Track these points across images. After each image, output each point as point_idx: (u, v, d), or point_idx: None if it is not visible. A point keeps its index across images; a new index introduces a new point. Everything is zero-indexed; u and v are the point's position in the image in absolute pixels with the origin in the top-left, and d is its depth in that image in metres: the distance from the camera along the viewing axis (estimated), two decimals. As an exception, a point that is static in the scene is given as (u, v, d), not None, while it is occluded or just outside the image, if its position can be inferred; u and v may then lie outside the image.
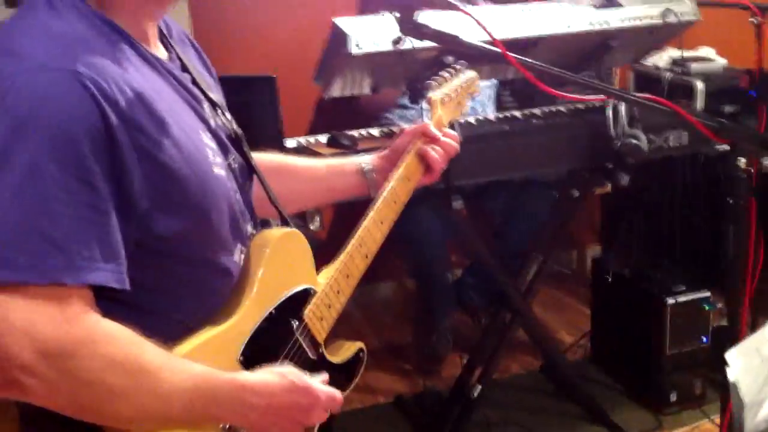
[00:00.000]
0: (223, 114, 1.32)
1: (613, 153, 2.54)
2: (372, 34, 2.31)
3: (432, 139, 1.55)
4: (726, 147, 1.51)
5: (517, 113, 2.74)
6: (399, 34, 2.32)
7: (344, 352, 1.44)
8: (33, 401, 1.02)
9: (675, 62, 3.44)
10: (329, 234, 3.17)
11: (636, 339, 2.99)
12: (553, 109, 2.76)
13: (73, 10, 1.09)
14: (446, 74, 1.69)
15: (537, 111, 2.74)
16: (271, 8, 3.47)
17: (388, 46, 2.31)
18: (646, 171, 3.05)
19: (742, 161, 1.48)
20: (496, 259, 2.78)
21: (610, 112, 2.49)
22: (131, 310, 1.11)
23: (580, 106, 2.69)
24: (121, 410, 1.04)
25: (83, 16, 1.09)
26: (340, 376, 1.38)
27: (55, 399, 1.02)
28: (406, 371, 3.29)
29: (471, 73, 1.76)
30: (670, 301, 2.82)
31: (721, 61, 3.52)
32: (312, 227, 2.43)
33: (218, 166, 1.21)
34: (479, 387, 2.76)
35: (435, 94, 1.62)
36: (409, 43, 2.33)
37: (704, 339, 2.89)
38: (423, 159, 1.55)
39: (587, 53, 2.58)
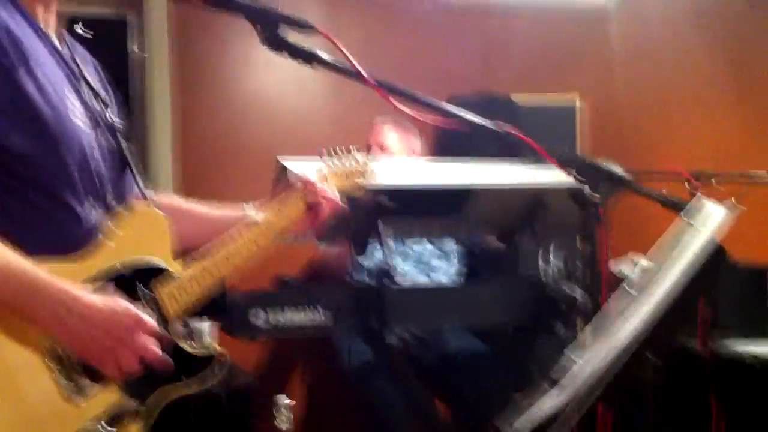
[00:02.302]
0: (106, 107, 1.48)
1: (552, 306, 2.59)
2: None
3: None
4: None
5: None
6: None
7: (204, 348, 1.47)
8: None
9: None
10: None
11: None
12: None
13: None
14: (339, 151, 1.89)
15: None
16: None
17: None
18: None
19: (587, 189, 1.59)
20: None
21: (540, 260, 2.58)
22: None
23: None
24: None
25: None
26: (181, 361, 1.41)
27: None
28: None
29: (362, 155, 1.94)
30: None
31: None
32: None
33: (77, 118, 1.35)
34: None
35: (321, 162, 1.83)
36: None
37: None
38: (302, 196, 1.69)
39: (524, 211, 2.70)
